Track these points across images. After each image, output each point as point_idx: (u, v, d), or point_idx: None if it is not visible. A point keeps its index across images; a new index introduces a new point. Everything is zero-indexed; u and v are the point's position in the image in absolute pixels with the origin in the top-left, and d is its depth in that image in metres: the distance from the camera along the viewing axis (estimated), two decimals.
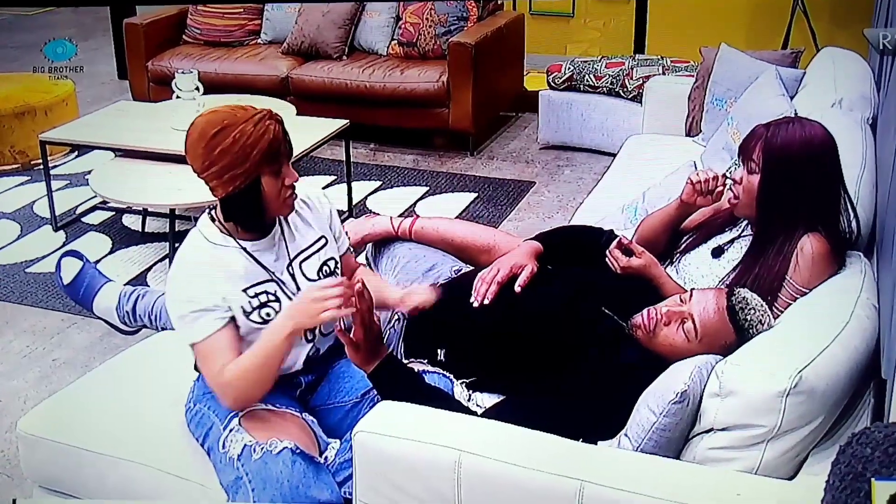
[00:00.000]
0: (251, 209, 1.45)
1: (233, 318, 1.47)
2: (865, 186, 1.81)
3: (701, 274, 1.74)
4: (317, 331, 1.55)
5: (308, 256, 1.55)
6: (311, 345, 1.57)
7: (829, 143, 1.63)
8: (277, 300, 1.50)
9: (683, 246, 1.81)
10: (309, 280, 1.53)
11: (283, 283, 1.51)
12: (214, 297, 1.45)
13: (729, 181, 1.72)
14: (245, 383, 1.44)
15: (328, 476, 1.44)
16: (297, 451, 1.42)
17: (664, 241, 1.85)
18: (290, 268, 1.52)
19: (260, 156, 1.40)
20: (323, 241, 1.57)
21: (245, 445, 1.44)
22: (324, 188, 3.60)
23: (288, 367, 1.54)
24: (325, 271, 1.55)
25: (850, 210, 1.66)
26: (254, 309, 1.48)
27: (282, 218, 1.53)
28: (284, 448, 1.42)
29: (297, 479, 1.40)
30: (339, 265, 1.60)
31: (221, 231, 1.49)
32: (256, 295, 1.48)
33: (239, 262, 1.48)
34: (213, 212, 1.51)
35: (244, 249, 1.49)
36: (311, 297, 1.41)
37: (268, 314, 1.49)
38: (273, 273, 1.50)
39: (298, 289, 1.51)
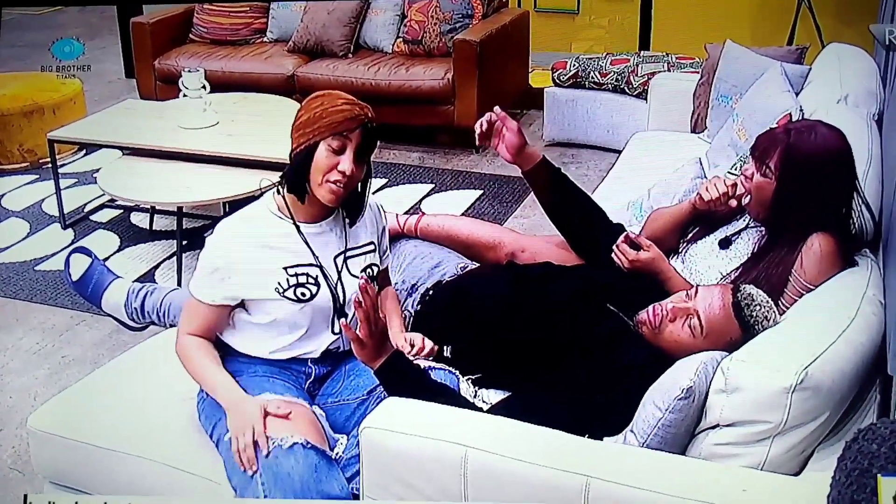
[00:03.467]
0: (298, 172, 1.51)
1: (231, 306, 1.54)
2: (871, 182, 1.81)
3: (707, 265, 1.74)
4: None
5: (358, 255, 1.59)
6: (337, 337, 1.59)
7: (847, 152, 1.62)
8: (317, 284, 1.54)
9: (690, 236, 1.81)
10: (352, 275, 1.57)
11: (326, 271, 1.55)
12: (237, 277, 1.51)
13: (739, 176, 1.71)
14: (184, 364, 1.58)
15: (338, 471, 1.45)
16: (308, 445, 1.44)
17: (672, 239, 1.85)
18: (337, 259, 1.56)
19: (329, 124, 1.47)
20: (372, 246, 1.62)
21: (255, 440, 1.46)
22: None
23: (307, 351, 1.58)
24: (369, 273, 1.60)
25: (866, 212, 1.66)
26: (290, 287, 1.52)
27: (343, 210, 1.57)
28: (296, 443, 1.43)
29: (307, 474, 1.41)
30: (379, 273, 1.64)
31: (281, 208, 1.55)
32: (296, 275, 1.52)
33: (289, 240, 1.53)
34: (279, 187, 1.57)
35: (297, 229, 1.53)
36: (253, 416, 1.45)
37: (303, 294, 1.53)
38: (318, 258, 1.54)
39: (340, 279, 1.55)
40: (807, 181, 1.60)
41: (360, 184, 1.55)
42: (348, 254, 1.58)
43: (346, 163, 1.48)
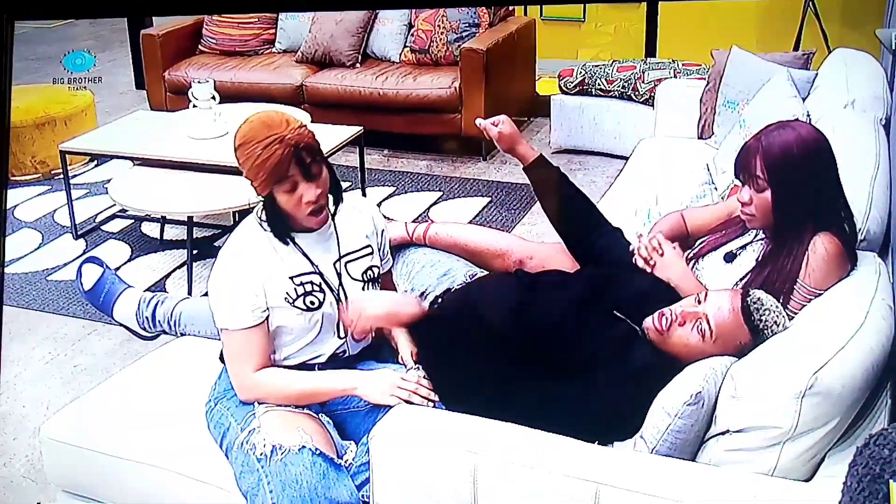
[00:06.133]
0: (275, 217, 1.53)
1: (266, 318, 1.53)
2: (879, 187, 1.80)
3: (713, 279, 1.73)
4: (350, 332, 1.59)
5: (356, 259, 1.61)
6: (342, 342, 1.60)
7: (822, 140, 1.62)
8: (322, 291, 1.55)
9: (696, 250, 1.81)
10: (353, 279, 1.59)
11: (326, 277, 1.56)
12: (256, 286, 1.51)
13: (737, 204, 1.72)
14: (273, 398, 1.54)
15: (347, 478, 1.46)
16: (317, 451, 1.45)
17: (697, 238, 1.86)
18: (336, 264, 1.58)
19: (266, 176, 1.48)
20: (369, 249, 1.63)
21: (264, 447, 1.47)
22: None
23: (313, 357, 1.59)
24: (369, 275, 1.61)
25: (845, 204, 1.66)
26: (298, 296, 1.53)
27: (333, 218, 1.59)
28: (304, 448, 1.45)
29: (316, 481, 1.42)
30: (381, 274, 1.65)
31: None
32: (301, 284, 1.54)
33: (286, 250, 1.54)
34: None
35: (292, 240, 1.54)
36: (389, 380, 1.49)
37: (312, 302, 1.54)
38: (317, 266, 1.55)
39: (341, 285, 1.57)
40: (796, 174, 1.60)
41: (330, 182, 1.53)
42: (346, 258, 1.59)
43: (307, 193, 1.48)
